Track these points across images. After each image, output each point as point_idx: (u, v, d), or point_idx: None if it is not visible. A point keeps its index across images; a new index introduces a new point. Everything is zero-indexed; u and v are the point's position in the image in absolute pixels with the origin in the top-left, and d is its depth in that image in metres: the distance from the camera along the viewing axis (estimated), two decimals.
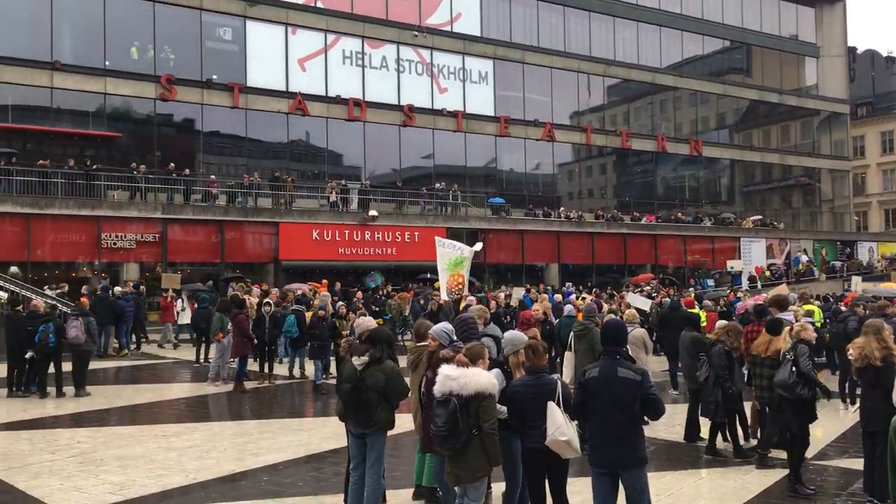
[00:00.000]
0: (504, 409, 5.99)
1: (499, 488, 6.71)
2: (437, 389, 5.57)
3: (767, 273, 38.86)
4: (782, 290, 21.16)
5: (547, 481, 5.99)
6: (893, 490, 3.29)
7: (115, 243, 25.36)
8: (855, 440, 9.53)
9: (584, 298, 20.74)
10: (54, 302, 17.44)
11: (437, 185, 33.78)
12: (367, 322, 7.17)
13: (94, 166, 25.93)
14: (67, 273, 25.04)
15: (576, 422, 5.90)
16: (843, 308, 16.59)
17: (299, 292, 20.35)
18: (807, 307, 15.30)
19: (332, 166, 33.33)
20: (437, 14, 35.52)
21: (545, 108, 38.28)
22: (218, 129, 30.92)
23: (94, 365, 14.92)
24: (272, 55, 31.32)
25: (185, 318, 21.14)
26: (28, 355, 13.50)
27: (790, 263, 41.71)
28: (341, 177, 32.09)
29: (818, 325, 14.72)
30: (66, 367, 13.77)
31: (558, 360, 12.59)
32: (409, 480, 7.52)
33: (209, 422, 12.02)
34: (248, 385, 14.75)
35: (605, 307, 17.37)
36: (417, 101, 34.36)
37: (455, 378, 5.51)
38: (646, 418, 6.06)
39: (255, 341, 15.14)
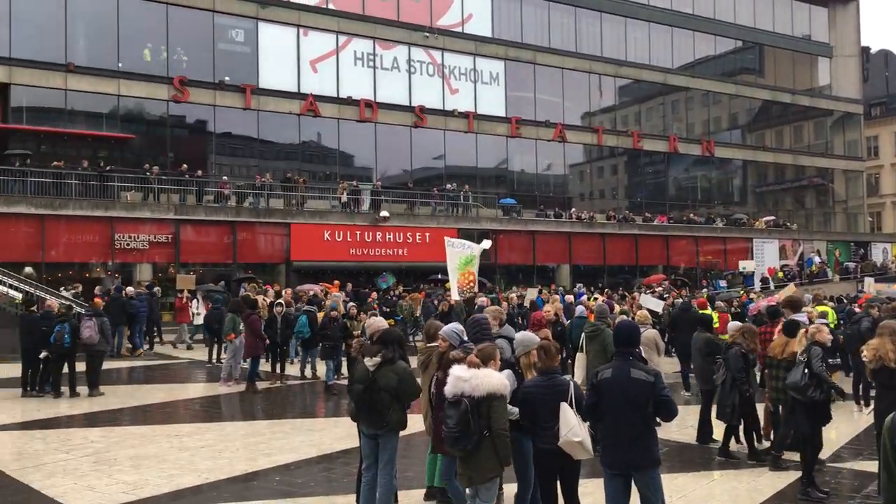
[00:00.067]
0: (515, 410, 5.98)
1: (510, 489, 6.70)
2: (449, 391, 5.57)
3: (780, 274, 38.63)
4: (790, 289, 21.06)
5: (558, 482, 5.98)
6: (884, 489, 3.27)
7: (128, 244, 25.51)
8: (869, 442, 9.48)
9: (596, 299, 20.69)
10: (70, 302, 17.54)
11: (449, 185, 33.79)
12: (379, 322, 7.18)
13: (108, 167, 26.09)
14: (81, 274, 25.21)
15: (587, 423, 5.89)
16: (857, 309, 16.48)
17: (311, 293, 20.41)
18: (820, 308, 15.20)
19: (343, 167, 33.41)
20: (448, 15, 35.54)
21: (556, 109, 38.23)
22: (230, 130, 31.04)
23: (107, 365, 15.01)
24: (284, 56, 31.43)
25: (201, 318, 21.24)
26: (42, 355, 13.60)
27: (803, 264, 41.45)
28: (353, 178, 32.16)
29: (832, 326, 14.61)
30: (80, 367, 13.87)
31: (569, 361, 12.56)
32: (420, 481, 7.52)
33: (221, 422, 12.07)
34: (260, 385, 14.79)
35: (617, 308, 17.31)
36: (428, 102, 34.38)
37: (466, 379, 5.51)
38: (658, 420, 6.04)
39: (268, 342, 15.19)
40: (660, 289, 26.90)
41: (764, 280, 35.93)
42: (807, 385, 7.62)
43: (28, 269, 21.15)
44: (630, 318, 12.22)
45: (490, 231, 32.72)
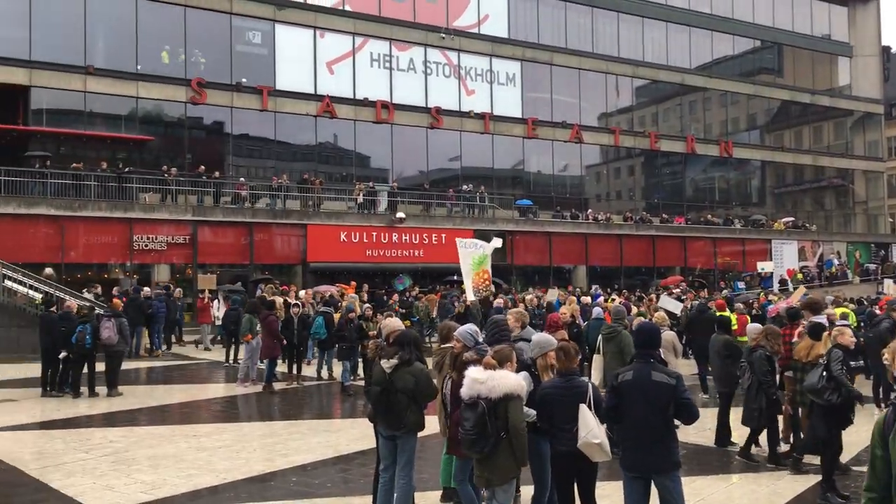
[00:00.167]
0: (532, 412, 5.96)
1: (527, 491, 6.68)
2: (465, 393, 5.55)
3: (800, 276, 38.30)
4: (801, 291, 20.87)
5: (576, 485, 5.95)
6: (866, 486, 3.25)
7: (146, 245, 25.68)
8: None
9: (613, 300, 20.60)
10: (91, 304, 17.69)
11: (465, 186, 33.78)
12: (394, 323, 7.18)
13: (126, 169, 26.28)
14: (100, 275, 25.41)
15: (604, 425, 5.86)
16: (877, 312, 16.31)
17: (328, 294, 20.45)
18: (839, 310, 15.05)
19: (359, 168, 33.48)
20: (464, 16, 35.54)
21: (573, 110, 38.12)
22: (247, 131, 31.18)
23: (125, 365, 15.12)
24: (301, 58, 31.54)
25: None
26: (62, 355, 13.71)
27: (823, 266, 41.09)
28: (369, 179, 32.22)
29: (853, 328, 14.45)
30: (99, 367, 13.97)
31: (585, 363, 12.51)
32: (436, 482, 7.51)
33: (239, 422, 12.13)
34: (277, 386, 14.84)
35: (634, 310, 17.24)
36: (445, 103, 34.39)
37: (483, 381, 5.49)
38: (677, 422, 5.99)
39: (284, 342, 15.24)
40: (677, 290, 26.74)
41: (782, 282, 35.65)
42: (823, 388, 7.54)
43: (48, 270, 21.33)
44: (648, 320, 12.16)
45: (506, 232, 32.66)
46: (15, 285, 20.04)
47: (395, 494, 6.46)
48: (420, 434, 6.51)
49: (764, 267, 35.93)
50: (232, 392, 14.72)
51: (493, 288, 18.31)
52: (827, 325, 9.70)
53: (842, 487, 7.72)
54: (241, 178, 29.21)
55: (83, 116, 27.62)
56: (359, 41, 32.85)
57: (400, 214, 30.01)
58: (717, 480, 8.42)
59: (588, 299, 20.91)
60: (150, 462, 9.00)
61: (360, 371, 14.95)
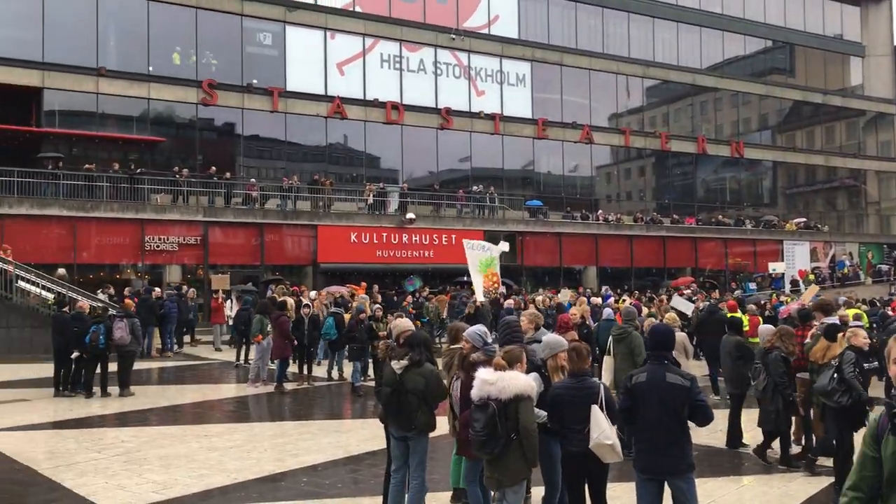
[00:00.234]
0: (543, 413, 5.95)
1: (538, 492, 6.68)
2: (475, 394, 5.55)
3: (811, 277, 38.12)
4: (813, 290, 20.77)
5: (587, 486, 5.95)
6: (851, 485, 3.21)
7: (157, 246, 25.80)
8: None
9: (624, 301, 20.56)
10: (105, 304, 17.79)
11: (475, 187, 33.78)
12: (405, 324, 7.19)
13: (138, 170, 26.41)
14: (112, 275, 25.54)
15: (615, 426, 5.85)
16: (890, 313, 16.21)
17: (338, 295, 20.50)
18: (852, 311, 14.97)
19: (369, 169, 33.54)
20: (474, 17, 35.54)
21: (583, 110, 38.06)
22: (258, 132, 31.27)
23: (137, 365, 15.18)
24: (311, 59, 31.61)
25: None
26: (74, 355, 13.79)
27: (835, 267, 40.87)
28: (379, 180, 32.27)
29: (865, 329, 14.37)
30: (111, 367, 14.04)
31: (595, 364, 12.48)
32: (446, 483, 7.51)
33: (250, 422, 12.17)
34: (288, 386, 14.87)
35: (645, 311, 17.19)
36: (455, 104, 34.40)
37: (493, 382, 5.48)
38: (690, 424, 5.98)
39: (295, 343, 15.28)
40: (688, 291, 26.67)
41: (794, 282, 35.49)
42: (833, 390, 7.51)
43: (61, 271, 21.45)
44: (659, 321, 12.13)
45: (516, 233, 32.69)
46: (28, 286, 20.17)
47: (406, 495, 6.47)
48: (431, 435, 6.52)
49: (775, 268, 35.77)
50: (243, 392, 14.77)
51: (503, 289, 18.30)
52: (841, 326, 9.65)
53: None
54: (252, 179, 29.30)
55: (95, 118, 27.78)
56: (369, 42, 32.90)
57: (410, 215, 30.04)
58: (729, 482, 8.39)
59: (598, 300, 20.89)
60: (162, 462, 9.04)
61: (371, 372, 15.00)
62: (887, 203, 49.67)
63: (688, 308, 18.59)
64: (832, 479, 7.74)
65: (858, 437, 7.90)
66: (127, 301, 16.08)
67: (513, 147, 36.13)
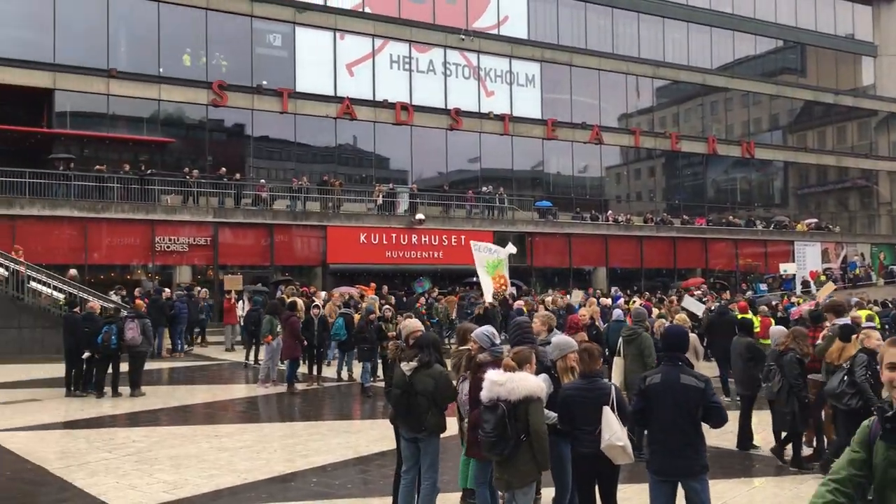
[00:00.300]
0: (553, 415, 5.94)
1: (548, 493, 6.66)
2: (485, 395, 5.53)
3: (822, 277, 37.91)
4: (829, 287, 20.65)
5: (597, 487, 5.93)
6: (836, 478, 3.14)
7: (168, 246, 25.90)
8: None
9: (634, 302, 20.49)
10: (117, 305, 17.86)
11: (484, 188, 33.76)
12: (414, 324, 7.18)
13: (149, 171, 26.53)
14: (122, 276, 25.67)
15: (625, 427, 5.83)
16: None
17: (347, 296, 20.52)
18: (864, 312, 14.87)
19: (379, 170, 33.57)
20: (483, 17, 35.53)
21: (593, 111, 37.99)
22: (267, 133, 31.36)
23: (148, 366, 15.22)
24: (320, 60, 31.68)
25: None
26: (85, 355, 13.85)
27: (846, 268, 40.65)
28: (388, 180, 32.31)
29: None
30: (122, 367, 14.10)
31: (605, 365, 12.44)
32: (455, 484, 7.50)
33: (260, 423, 12.19)
34: (297, 387, 14.89)
35: (655, 311, 17.14)
36: (464, 105, 34.39)
37: (502, 383, 5.47)
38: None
39: (305, 343, 15.29)
40: (698, 292, 26.59)
41: (805, 283, 35.32)
42: (843, 392, 7.46)
43: (72, 272, 21.55)
44: (669, 322, 12.09)
45: (526, 234, 32.67)
46: (39, 286, 20.27)
47: (417, 495, 6.46)
48: (441, 435, 6.51)
49: (786, 269, 35.62)
50: (253, 393, 14.80)
51: (513, 290, 18.32)
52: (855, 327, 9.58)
53: None
54: (262, 180, 29.37)
55: (106, 119, 27.91)
56: (378, 43, 32.94)
57: (419, 216, 30.05)
58: (739, 484, 8.35)
59: (607, 301, 20.84)
60: (172, 462, 9.06)
61: (380, 372, 15.02)
62: None
63: (699, 309, 18.53)
64: None
65: None
66: (138, 302, 16.15)
67: (522, 148, 36.09)
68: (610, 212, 37.38)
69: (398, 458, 6.79)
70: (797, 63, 46.82)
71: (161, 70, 28.53)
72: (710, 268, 38.06)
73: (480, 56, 35.13)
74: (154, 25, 28.35)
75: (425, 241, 30.36)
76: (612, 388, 5.91)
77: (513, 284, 23.72)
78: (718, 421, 5.52)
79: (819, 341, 9.65)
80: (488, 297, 19.92)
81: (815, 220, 43.51)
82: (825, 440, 9.22)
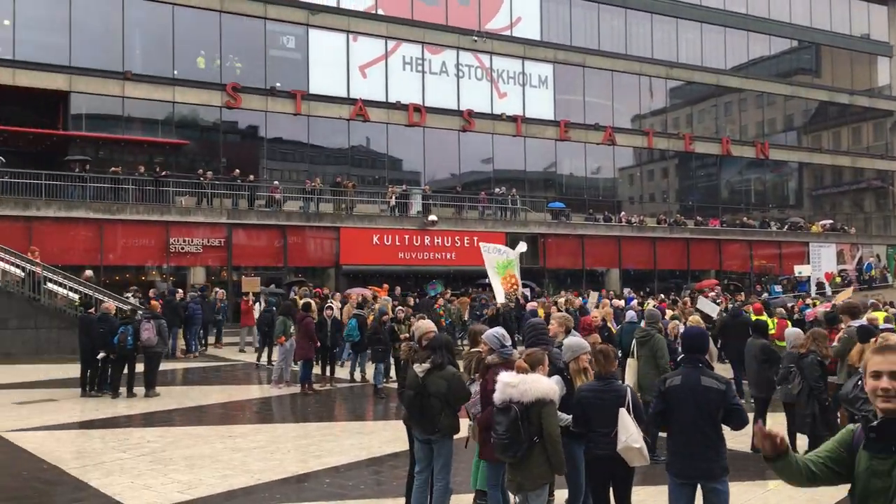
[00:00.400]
0: (566, 417, 5.93)
1: (561, 495, 6.65)
2: (497, 397, 5.52)
3: (838, 279, 37.66)
4: (847, 293, 20.50)
5: (611, 489, 5.91)
6: (815, 463, 3.13)
7: (182, 248, 26.04)
8: None
9: (649, 304, 20.43)
10: (133, 306, 17.98)
11: (497, 189, 33.74)
12: (427, 325, 7.19)
13: (163, 173, 26.68)
14: (137, 277, 25.83)
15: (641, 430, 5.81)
16: None
17: (360, 297, 20.56)
18: (880, 314, 14.75)
19: (392, 171, 33.61)
20: (496, 19, 35.51)
21: (606, 112, 37.89)
22: (281, 135, 31.46)
23: (162, 366, 15.31)
24: (334, 62, 31.76)
25: None
26: (100, 356, 13.95)
27: (861, 269, 40.34)
28: (401, 182, 32.34)
29: None
30: (136, 368, 14.19)
31: (619, 367, 12.40)
32: (468, 485, 7.50)
33: (273, 423, 12.24)
34: (314, 387, 14.93)
35: (669, 313, 17.09)
36: (477, 106, 34.38)
37: (514, 385, 5.46)
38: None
39: (318, 345, 15.34)
40: (712, 294, 26.48)
41: (819, 285, 35.08)
42: (856, 397, 7.39)
43: (88, 273, 21.72)
44: (682, 323, 12.05)
45: (538, 235, 32.62)
46: (55, 287, 20.44)
47: (429, 497, 6.47)
48: (457, 437, 6.51)
49: (801, 270, 35.40)
50: (266, 393, 14.87)
51: (526, 292, 18.29)
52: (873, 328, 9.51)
53: None
54: (275, 182, 29.47)
55: (121, 121, 28.10)
56: (391, 44, 32.99)
57: (432, 217, 30.07)
58: (754, 486, 8.30)
59: (620, 303, 20.79)
60: (187, 462, 9.11)
61: (392, 373, 15.04)
62: None
63: (713, 310, 18.45)
64: None
65: None
66: (153, 303, 16.25)
67: (535, 149, 36.05)
68: (623, 213, 37.25)
69: (411, 459, 6.81)
70: (812, 63, 46.52)
71: (175, 72, 28.70)
72: (724, 269, 37.87)
73: (493, 57, 35.12)
74: (169, 28, 28.53)
75: (438, 242, 30.37)
76: (628, 389, 5.90)
77: (525, 286, 23.70)
78: (739, 423, 5.50)
79: (834, 343, 9.59)
80: (500, 299, 19.90)
81: (831, 221, 43.22)
82: None
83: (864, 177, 46.97)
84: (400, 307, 17.12)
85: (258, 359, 18.88)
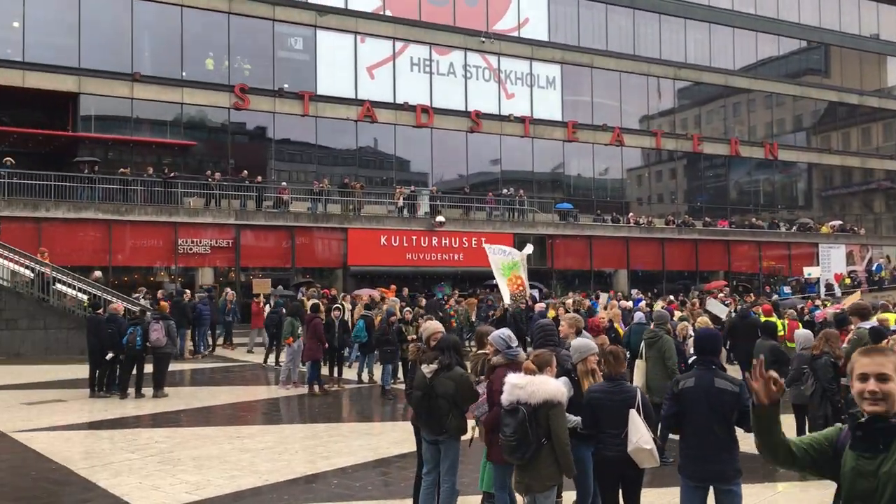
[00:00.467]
0: (574, 418, 5.90)
1: (569, 497, 6.63)
2: (505, 398, 5.50)
3: (847, 280, 37.48)
4: (856, 297, 20.38)
5: (621, 491, 5.89)
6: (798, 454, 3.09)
7: (190, 249, 26.11)
8: None
9: (658, 304, 20.37)
10: (143, 307, 18.03)
11: (505, 190, 33.72)
12: (435, 326, 7.18)
13: (172, 174, 26.76)
14: (146, 277, 25.90)
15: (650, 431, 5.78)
16: None
17: (366, 298, 20.58)
18: (892, 316, 14.66)
19: (399, 172, 33.63)
20: (504, 20, 35.51)
21: (614, 113, 37.83)
22: (289, 136, 31.53)
23: (170, 367, 15.34)
24: (341, 63, 31.81)
25: None
26: (108, 356, 13.98)
27: (871, 270, 40.14)
28: (409, 183, 32.35)
29: None
30: (145, 368, 14.23)
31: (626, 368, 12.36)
32: (476, 487, 7.48)
33: (281, 424, 12.26)
34: (315, 388, 14.94)
35: (678, 314, 17.04)
36: (484, 107, 34.38)
37: (522, 386, 5.43)
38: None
39: (327, 346, 15.35)
40: (721, 295, 26.40)
41: (829, 286, 34.92)
42: None
43: (97, 273, 21.81)
44: (691, 324, 12.00)
45: (546, 236, 32.57)
46: (64, 288, 20.52)
47: (437, 498, 6.45)
48: (462, 438, 6.50)
49: (811, 272, 35.23)
50: (274, 394, 14.88)
51: (534, 294, 18.24)
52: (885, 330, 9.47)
53: None
54: (283, 183, 29.52)
55: (130, 122, 28.21)
56: (399, 46, 33.02)
57: (440, 218, 30.06)
58: (764, 489, 8.26)
59: (628, 304, 20.72)
60: (195, 462, 9.13)
61: (400, 374, 15.04)
62: None
63: (722, 312, 18.38)
64: None
65: None
66: (162, 303, 16.29)
67: (543, 150, 36.02)
68: (631, 214, 37.18)
69: (419, 460, 6.80)
70: (821, 64, 46.34)
71: (184, 74, 28.80)
72: (733, 270, 37.75)
73: (501, 58, 35.11)
74: (177, 30, 28.62)
75: (446, 243, 30.36)
76: (638, 390, 5.88)
77: (532, 287, 23.65)
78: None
79: (844, 345, 9.53)
80: (507, 300, 19.86)
81: (840, 222, 43.03)
82: None
83: (873, 177, 46.76)
84: (408, 308, 17.11)
85: (265, 360, 18.90)
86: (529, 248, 21.06)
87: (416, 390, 6.42)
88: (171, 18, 28.53)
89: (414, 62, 33.44)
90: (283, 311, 17.95)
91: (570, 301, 21.18)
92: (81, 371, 14.99)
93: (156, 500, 7.61)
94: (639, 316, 13.57)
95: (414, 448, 7.15)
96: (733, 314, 18.11)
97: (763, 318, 13.95)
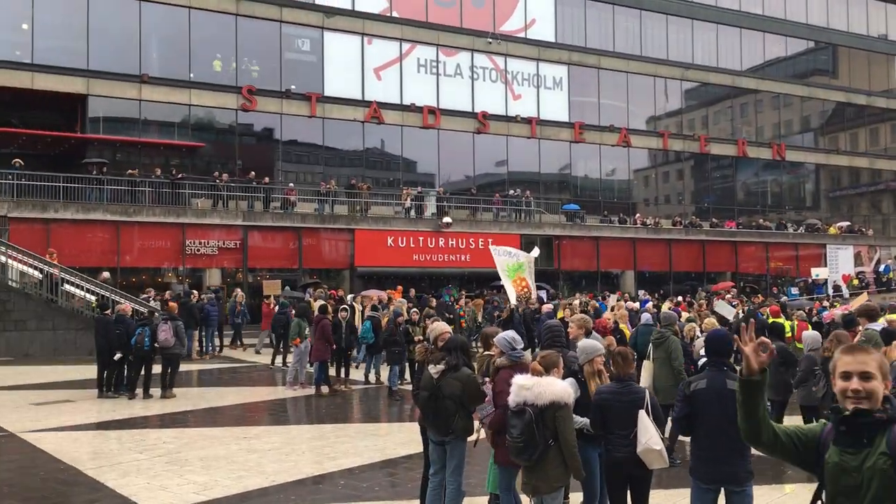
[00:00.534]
0: (582, 420, 5.90)
1: (576, 498, 6.63)
2: (512, 400, 5.49)
3: (855, 282, 37.32)
4: (863, 298, 20.28)
5: (629, 492, 5.88)
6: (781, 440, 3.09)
7: (198, 249, 26.18)
8: None
9: (666, 306, 20.31)
10: (151, 308, 18.09)
11: (511, 191, 33.70)
12: (442, 327, 7.18)
13: (179, 175, 26.85)
14: (154, 279, 25.99)
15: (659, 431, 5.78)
16: None
17: (375, 299, 20.60)
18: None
19: (406, 173, 33.65)
20: (511, 20, 35.50)
21: (621, 114, 37.78)
22: (296, 137, 31.59)
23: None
24: (348, 65, 31.86)
25: None
26: (116, 357, 14.04)
27: (879, 271, 39.96)
28: (416, 184, 32.37)
29: None
30: (154, 369, 14.28)
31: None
32: (483, 488, 7.48)
33: (288, 425, 12.28)
34: (325, 390, 14.97)
35: (685, 315, 17.00)
36: (491, 108, 34.37)
37: (529, 388, 5.43)
38: None
39: (334, 347, 15.37)
40: (728, 296, 26.32)
41: (836, 288, 34.78)
42: None
43: (105, 274, 21.90)
44: (698, 325, 11.98)
45: (553, 237, 32.56)
46: (73, 289, 20.61)
47: (443, 499, 6.46)
48: (469, 439, 6.50)
49: (818, 273, 35.09)
50: (281, 395, 14.91)
51: (541, 295, 18.24)
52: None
53: None
54: (291, 184, 29.59)
55: (138, 124, 28.30)
56: (406, 47, 33.05)
57: (447, 219, 30.07)
58: (771, 490, 8.23)
59: (634, 305, 20.69)
60: (202, 463, 9.15)
61: (406, 375, 15.05)
62: None
63: (730, 313, 18.33)
64: None
65: None
66: (171, 304, 16.34)
67: (549, 151, 35.99)
68: (638, 215, 37.09)
69: (425, 461, 6.80)
70: (829, 64, 46.18)
71: (192, 75, 28.89)
72: (740, 271, 37.65)
73: (508, 59, 35.11)
74: (185, 31, 28.71)
75: (452, 244, 30.37)
76: (646, 392, 5.87)
77: (539, 288, 23.64)
78: None
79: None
80: (513, 301, 19.86)
81: (848, 222, 42.85)
82: None
83: (881, 178, 46.58)
84: (415, 309, 17.12)
85: (272, 361, 18.94)
86: (536, 251, 21.08)
87: (422, 391, 6.42)
88: (179, 20, 28.63)
89: (421, 63, 33.46)
90: (292, 311, 17.99)
91: (576, 302, 21.16)
92: (90, 372, 15.05)
93: (163, 501, 7.64)
94: (646, 317, 13.56)
95: (420, 449, 7.15)
96: (739, 315, 18.07)
97: (770, 320, 13.91)
